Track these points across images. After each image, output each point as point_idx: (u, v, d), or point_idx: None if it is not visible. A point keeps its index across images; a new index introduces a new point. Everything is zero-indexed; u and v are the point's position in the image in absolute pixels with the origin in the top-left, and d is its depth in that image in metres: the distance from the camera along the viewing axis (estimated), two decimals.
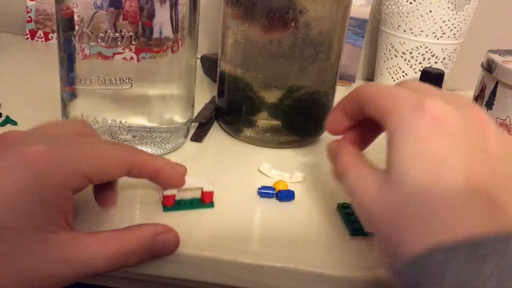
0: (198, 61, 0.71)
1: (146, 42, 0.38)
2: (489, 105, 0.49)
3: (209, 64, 0.69)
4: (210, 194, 0.37)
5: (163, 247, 0.31)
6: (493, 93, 0.48)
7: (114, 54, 0.38)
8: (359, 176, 0.31)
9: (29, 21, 0.77)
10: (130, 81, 0.40)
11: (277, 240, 0.35)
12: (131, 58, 0.38)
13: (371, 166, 0.31)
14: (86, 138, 0.32)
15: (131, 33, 0.37)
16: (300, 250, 0.35)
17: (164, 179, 0.34)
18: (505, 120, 0.47)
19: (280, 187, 0.40)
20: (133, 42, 0.38)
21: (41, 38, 0.77)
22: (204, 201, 0.37)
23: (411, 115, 0.28)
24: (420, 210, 0.26)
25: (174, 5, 0.38)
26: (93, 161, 0.29)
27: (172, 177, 0.34)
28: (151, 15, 0.37)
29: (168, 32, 0.39)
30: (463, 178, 0.26)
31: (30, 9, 0.76)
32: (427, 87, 0.31)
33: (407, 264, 0.25)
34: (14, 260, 0.25)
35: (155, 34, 0.38)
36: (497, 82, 0.48)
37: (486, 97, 0.49)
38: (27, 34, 0.77)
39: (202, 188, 0.37)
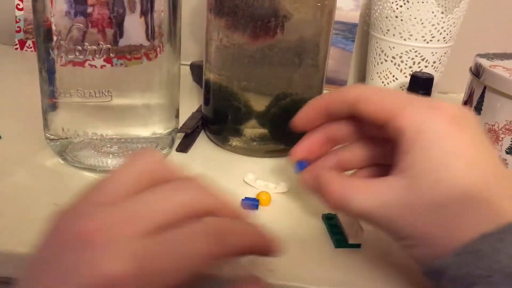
0: (188, 68, 0.71)
1: (120, 50, 0.37)
2: (478, 110, 0.48)
3: (198, 72, 0.68)
4: None
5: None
6: (481, 98, 0.48)
7: (85, 60, 0.37)
8: (367, 194, 0.29)
9: (18, 31, 0.76)
10: (110, 94, 0.39)
11: None
12: (103, 66, 0.37)
13: (365, 179, 0.31)
14: (164, 188, 0.25)
15: (109, 45, 0.37)
16: (283, 263, 0.34)
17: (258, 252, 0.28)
18: (493, 125, 0.46)
19: (263, 198, 0.40)
20: (111, 55, 0.37)
21: (30, 48, 0.76)
22: None
23: (428, 116, 0.28)
24: (463, 205, 0.27)
25: (148, 11, 0.38)
26: (182, 273, 0.23)
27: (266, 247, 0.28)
28: (120, 23, 0.36)
29: (141, 39, 0.38)
30: (491, 171, 0.28)
31: (19, 19, 0.76)
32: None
33: (458, 253, 0.26)
34: None
35: (125, 42, 0.38)
36: (485, 87, 0.47)
37: (474, 102, 0.49)
38: (16, 44, 0.76)
39: None
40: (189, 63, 0.72)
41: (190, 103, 0.61)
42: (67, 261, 0.21)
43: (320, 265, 0.34)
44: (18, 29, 0.76)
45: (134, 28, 0.37)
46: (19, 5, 0.75)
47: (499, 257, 0.25)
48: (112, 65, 0.37)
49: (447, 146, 0.27)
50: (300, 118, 0.35)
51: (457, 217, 0.27)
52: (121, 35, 0.36)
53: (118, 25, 0.36)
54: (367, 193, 0.29)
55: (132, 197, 0.24)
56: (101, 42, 0.37)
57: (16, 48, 0.76)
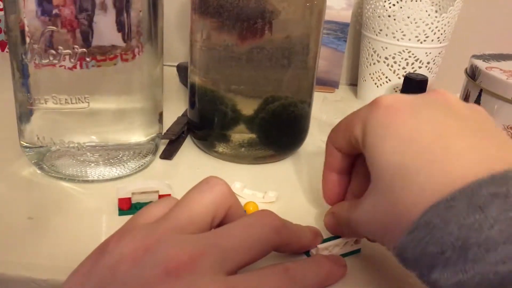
0: (175, 70, 0.69)
1: (91, 51, 0.35)
2: None
3: (186, 73, 0.66)
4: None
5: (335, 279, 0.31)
6: (477, 101, 0.46)
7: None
8: (358, 207, 0.30)
9: None
10: (87, 100, 0.37)
11: None
12: (74, 66, 0.35)
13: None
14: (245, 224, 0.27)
15: (84, 49, 0.35)
16: None
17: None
18: None
19: (250, 208, 0.38)
20: (87, 59, 0.35)
21: None
22: None
23: (368, 116, 0.28)
24: (402, 180, 0.25)
25: (123, 11, 0.35)
26: None
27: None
28: (90, 22, 0.34)
29: (114, 39, 0.36)
30: (437, 137, 0.25)
31: (0, 20, 0.73)
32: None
33: (410, 230, 0.24)
34: None
35: (96, 42, 0.35)
36: (481, 90, 0.45)
37: None
38: None
39: (159, 191, 0.36)
40: (176, 64, 0.70)
41: (176, 106, 0.59)
42: None
43: None
44: None
45: (106, 28, 0.35)
46: None
47: (450, 228, 0.22)
48: (82, 67, 0.35)
49: (386, 133, 0.27)
50: (327, 195, 0.37)
51: (402, 196, 0.25)
52: (91, 36, 0.34)
53: (88, 25, 0.34)
54: (357, 207, 0.30)
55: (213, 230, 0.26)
56: (76, 46, 0.34)
57: None
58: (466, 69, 0.49)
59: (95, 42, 0.35)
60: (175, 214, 0.26)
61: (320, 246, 0.33)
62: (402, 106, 0.27)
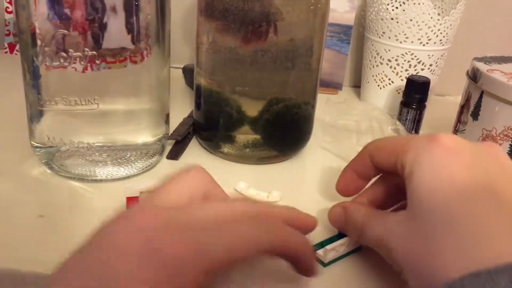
0: (181, 72, 0.70)
1: (102, 53, 0.36)
2: (475, 115, 0.47)
3: (191, 75, 0.67)
4: None
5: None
6: (479, 103, 0.47)
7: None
8: (379, 223, 0.30)
9: (8, 35, 0.75)
10: (96, 102, 0.38)
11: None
12: (85, 68, 0.36)
13: (386, 212, 0.32)
14: (213, 205, 0.29)
15: (94, 52, 0.36)
16: (274, 271, 0.33)
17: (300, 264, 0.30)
18: (491, 131, 0.45)
19: None
20: (97, 62, 0.36)
21: None
22: None
23: (424, 149, 0.29)
24: (454, 237, 0.25)
25: (133, 13, 0.36)
26: (220, 264, 0.25)
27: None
28: (101, 25, 0.35)
29: (124, 42, 0.37)
30: (490, 199, 0.26)
31: (9, 23, 0.75)
32: None
33: (446, 284, 0.24)
34: None
35: (107, 45, 0.36)
36: (482, 92, 0.46)
37: (471, 107, 0.48)
38: (5, 48, 0.75)
39: None
40: (182, 66, 0.71)
41: (182, 108, 0.60)
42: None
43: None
44: (7, 32, 0.75)
45: (116, 31, 0.36)
46: (8, 8, 0.74)
47: None
48: (92, 69, 0.36)
49: (441, 175, 0.27)
50: (341, 185, 0.37)
51: (447, 250, 0.25)
52: (102, 38, 0.35)
53: (99, 28, 0.35)
54: (380, 222, 0.31)
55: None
56: (86, 49, 0.35)
57: (6, 52, 0.75)
58: (467, 72, 0.50)
59: (105, 44, 0.36)
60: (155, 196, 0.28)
61: (328, 247, 0.33)
62: (462, 153, 0.28)
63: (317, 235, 0.35)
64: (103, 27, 0.35)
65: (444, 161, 0.27)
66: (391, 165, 0.31)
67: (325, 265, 0.34)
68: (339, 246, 0.34)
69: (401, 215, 0.29)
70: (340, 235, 0.35)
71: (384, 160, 0.32)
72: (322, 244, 0.34)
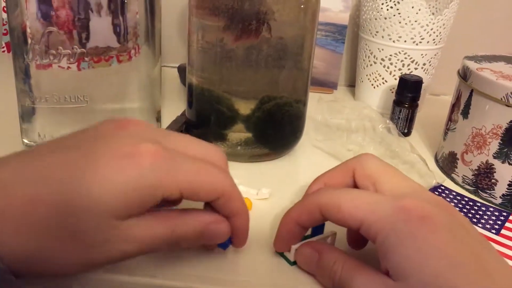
0: (174, 71, 0.70)
1: (88, 52, 0.36)
2: (465, 114, 0.47)
3: (186, 74, 0.68)
4: None
5: (214, 235, 0.31)
6: (468, 101, 0.47)
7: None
8: (368, 282, 0.29)
9: (5, 34, 0.75)
10: (86, 99, 0.38)
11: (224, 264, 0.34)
12: (69, 67, 0.36)
13: (372, 268, 0.30)
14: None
15: (83, 49, 0.36)
16: (263, 270, 0.33)
17: (235, 227, 0.31)
18: (481, 129, 0.45)
19: None
20: (86, 59, 0.36)
21: None
22: None
23: (396, 221, 0.28)
24: None
25: (118, 13, 0.37)
26: (192, 178, 0.28)
27: (241, 233, 0.32)
28: (86, 25, 0.35)
29: (109, 41, 0.37)
30: (472, 269, 0.26)
31: (6, 22, 0.75)
32: (382, 170, 0.33)
33: None
34: (85, 237, 0.26)
35: (92, 44, 0.37)
36: (472, 90, 0.46)
37: (462, 106, 0.48)
38: (3, 47, 0.76)
39: None
40: (177, 65, 0.71)
41: (177, 106, 0.60)
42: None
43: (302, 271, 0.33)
44: (5, 31, 0.75)
45: (101, 30, 0.36)
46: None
47: None
48: (78, 67, 0.36)
49: (424, 248, 0.27)
50: (279, 243, 0.35)
51: None
52: (87, 37, 0.35)
53: (85, 27, 0.35)
54: (364, 280, 0.29)
55: None
56: (75, 46, 0.36)
57: (4, 51, 0.76)
58: (458, 70, 0.50)
59: (91, 43, 0.36)
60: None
61: (293, 246, 0.33)
62: (434, 221, 0.28)
63: None
64: (87, 26, 0.35)
65: (422, 233, 0.27)
66: (351, 228, 0.30)
67: (291, 263, 0.34)
68: None
69: (388, 283, 0.28)
70: (313, 234, 0.35)
71: (343, 221, 0.30)
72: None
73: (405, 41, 0.61)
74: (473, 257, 0.27)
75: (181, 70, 0.69)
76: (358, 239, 0.35)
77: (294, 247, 0.33)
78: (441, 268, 0.26)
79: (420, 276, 0.26)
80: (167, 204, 0.31)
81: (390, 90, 0.64)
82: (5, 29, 0.75)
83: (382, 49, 0.63)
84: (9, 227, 0.25)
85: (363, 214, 0.29)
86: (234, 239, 0.32)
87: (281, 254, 0.35)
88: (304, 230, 0.33)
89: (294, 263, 0.34)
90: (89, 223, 0.25)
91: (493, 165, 0.45)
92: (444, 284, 0.26)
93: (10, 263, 0.25)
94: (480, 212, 0.44)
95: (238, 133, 0.48)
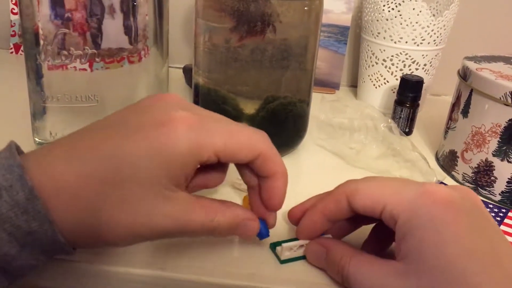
0: (179, 72, 0.72)
1: (100, 53, 0.37)
2: (465, 113, 0.48)
3: (191, 75, 0.69)
4: None
5: (245, 231, 0.32)
6: (468, 100, 0.48)
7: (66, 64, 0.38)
8: (370, 272, 0.30)
9: (13, 35, 0.77)
10: (96, 98, 0.39)
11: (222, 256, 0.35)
12: (82, 69, 0.37)
13: (378, 259, 0.31)
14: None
15: (94, 50, 0.37)
16: (270, 264, 0.34)
17: (272, 187, 0.32)
18: (480, 128, 0.46)
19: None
20: (97, 59, 0.38)
21: None
22: None
23: (418, 203, 0.28)
24: None
25: (130, 15, 0.38)
26: (228, 140, 0.29)
27: (280, 193, 0.33)
28: (100, 26, 0.37)
29: (122, 42, 0.38)
30: (487, 259, 0.27)
31: (14, 23, 0.76)
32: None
33: None
34: (131, 207, 0.27)
35: (105, 45, 0.38)
36: (471, 90, 0.47)
37: (462, 105, 0.49)
38: (11, 48, 0.77)
39: None
40: (182, 66, 0.72)
41: None
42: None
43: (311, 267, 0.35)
44: (13, 33, 0.77)
45: (114, 32, 0.37)
46: (13, 9, 0.76)
47: None
48: (91, 67, 0.37)
49: (444, 232, 0.27)
50: (302, 233, 0.35)
51: None
52: (101, 39, 0.37)
53: (98, 28, 0.36)
54: (371, 271, 0.30)
55: None
56: (86, 47, 0.37)
57: (11, 52, 0.77)
58: (458, 70, 0.51)
59: (104, 44, 0.37)
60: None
61: (284, 245, 0.34)
62: (456, 206, 0.28)
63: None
64: (101, 28, 0.36)
65: (447, 218, 0.28)
66: (374, 212, 0.30)
67: (281, 261, 0.34)
68: (298, 247, 0.34)
69: (397, 267, 0.29)
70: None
71: (367, 206, 0.31)
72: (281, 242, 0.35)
73: (406, 42, 0.62)
74: (490, 246, 0.27)
75: (186, 70, 0.70)
76: (380, 240, 0.35)
77: (284, 245, 0.34)
78: (457, 255, 0.27)
79: (435, 262, 0.27)
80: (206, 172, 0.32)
81: (392, 90, 0.65)
82: (13, 31, 0.77)
83: (384, 50, 0.64)
84: (64, 204, 0.26)
85: (387, 197, 0.30)
86: (270, 201, 0.32)
87: (273, 251, 0.35)
88: (328, 224, 0.33)
89: (283, 261, 0.34)
90: (134, 191, 0.27)
91: (493, 163, 0.46)
92: (458, 272, 0.26)
93: (68, 237, 0.26)
94: None
95: None
